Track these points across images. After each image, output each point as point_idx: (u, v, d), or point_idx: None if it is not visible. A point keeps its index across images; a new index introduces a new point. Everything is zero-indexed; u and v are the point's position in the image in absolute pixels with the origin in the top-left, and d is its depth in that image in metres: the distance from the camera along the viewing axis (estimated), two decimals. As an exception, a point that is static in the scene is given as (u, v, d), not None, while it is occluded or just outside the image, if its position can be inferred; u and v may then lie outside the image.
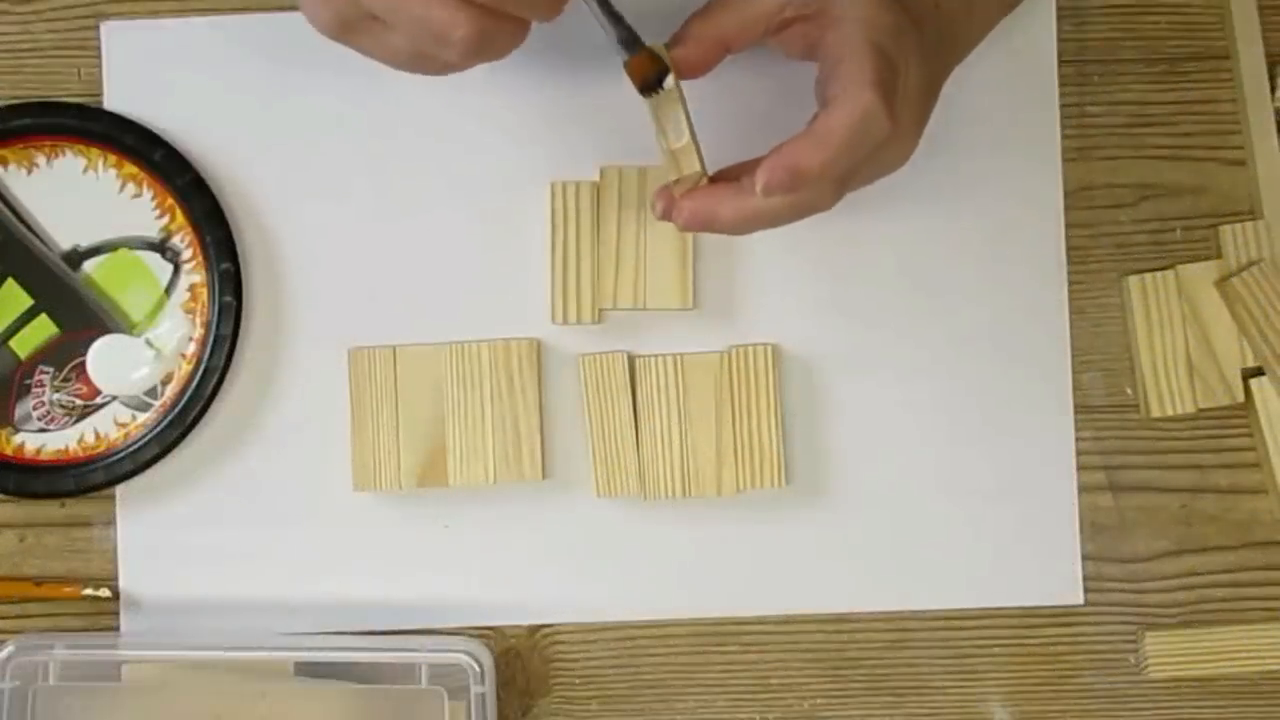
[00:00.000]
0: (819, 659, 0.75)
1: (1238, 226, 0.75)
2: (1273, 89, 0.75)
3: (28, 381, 0.75)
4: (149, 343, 0.75)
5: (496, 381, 0.74)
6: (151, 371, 0.74)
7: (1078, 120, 0.76)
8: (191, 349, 0.74)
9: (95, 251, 0.75)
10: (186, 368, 0.74)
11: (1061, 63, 0.76)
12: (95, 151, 0.75)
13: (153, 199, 0.75)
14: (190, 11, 0.75)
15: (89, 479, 0.74)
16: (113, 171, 0.75)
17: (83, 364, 0.75)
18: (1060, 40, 0.76)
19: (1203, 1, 0.76)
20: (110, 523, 0.75)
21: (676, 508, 0.75)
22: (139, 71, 0.75)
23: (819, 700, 0.75)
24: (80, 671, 0.73)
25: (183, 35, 0.75)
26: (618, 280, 0.74)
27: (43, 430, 0.75)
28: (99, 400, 0.75)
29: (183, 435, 0.74)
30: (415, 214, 0.75)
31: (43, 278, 0.75)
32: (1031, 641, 0.75)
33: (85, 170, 0.75)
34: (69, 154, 0.75)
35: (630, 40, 0.64)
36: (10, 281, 0.75)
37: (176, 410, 0.74)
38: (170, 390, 0.74)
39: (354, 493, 0.74)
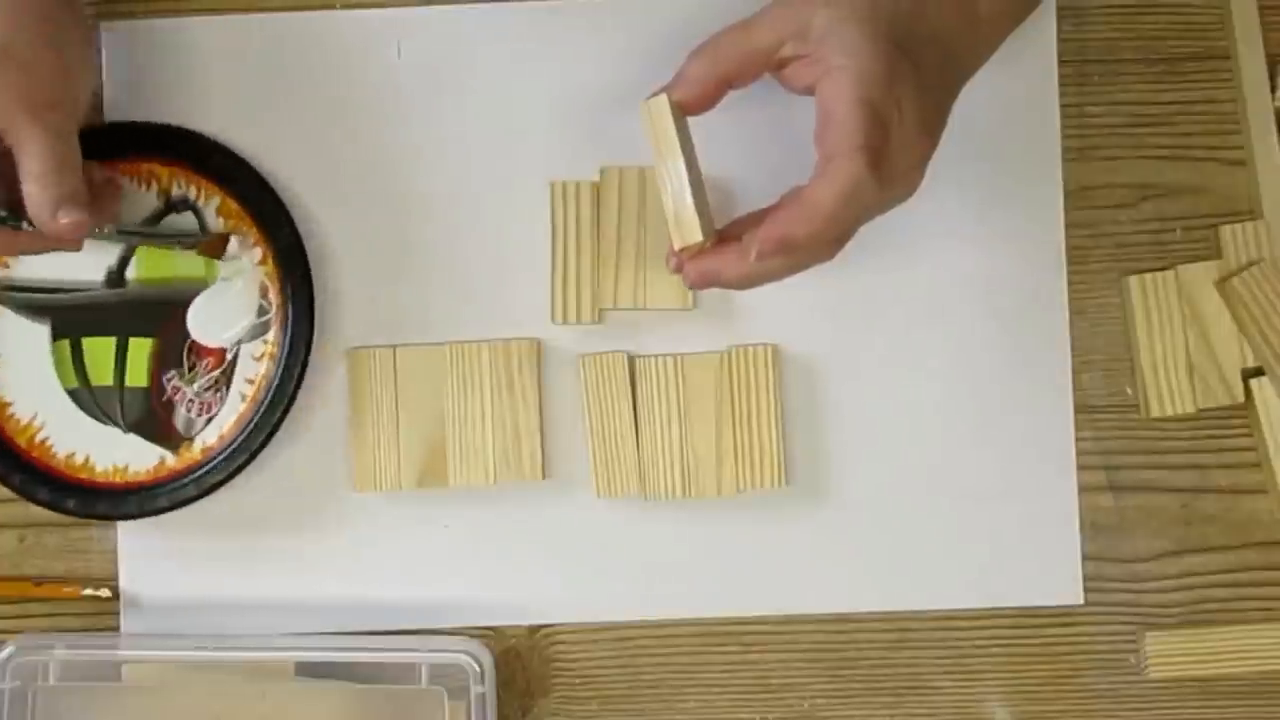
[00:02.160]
0: (819, 659, 0.75)
1: (1238, 226, 0.75)
2: (1273, 89, 0.75)
3: (165, 397, 0.75)
4: (225, 279, 0.75)
5: (496, 381, 0.74)
6: (246, 291, 0.74)
7: (1078, 120, 0.76)
8: (259, 254, 0.74)
9: (126, 257, 0.75)
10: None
11: (1061, 63, 0.76)
12: None
13: (130, 179, 0.75)
14: (190, 11, 0.75)
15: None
16: None
17: (194, 344, 0.75)
18: (1060, 40, 0.76)
19: (1203, 1, 0.76)
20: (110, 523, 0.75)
21: (676, 508, 0.75)
22: (139, 71, 0.75)
23: (819, 700, 0.75)
24: (80, 671, 0.73)
25: (183, 35, 0.75)
26: (618, 280, 0.74)
27: (209, 419, 0.75)
28: (229, 355, 0.75)
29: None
30: (415, 214, 0.75)
31: (105, 315, 0.75)
32: (1031, 641, 0.75)
33: None
34: None
35: (190, 240, 0.72)
36: (83, 341, 0.75)
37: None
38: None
39: (354, 493, 0.74)
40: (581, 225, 0.74)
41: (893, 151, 0.62)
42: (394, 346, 0.75)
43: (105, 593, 0.75)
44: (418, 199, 0.75)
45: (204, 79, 0.75)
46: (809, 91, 0.64)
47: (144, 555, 0.75)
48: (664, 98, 0.65)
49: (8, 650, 0.72)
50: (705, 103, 0.66)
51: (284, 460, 0.75)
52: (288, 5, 0.75)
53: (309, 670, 0.74)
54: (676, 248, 0.65)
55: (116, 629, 0.75)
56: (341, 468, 0.75)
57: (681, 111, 0.65)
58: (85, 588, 0.75)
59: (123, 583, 0.75)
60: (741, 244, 0.64)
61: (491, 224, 0.75)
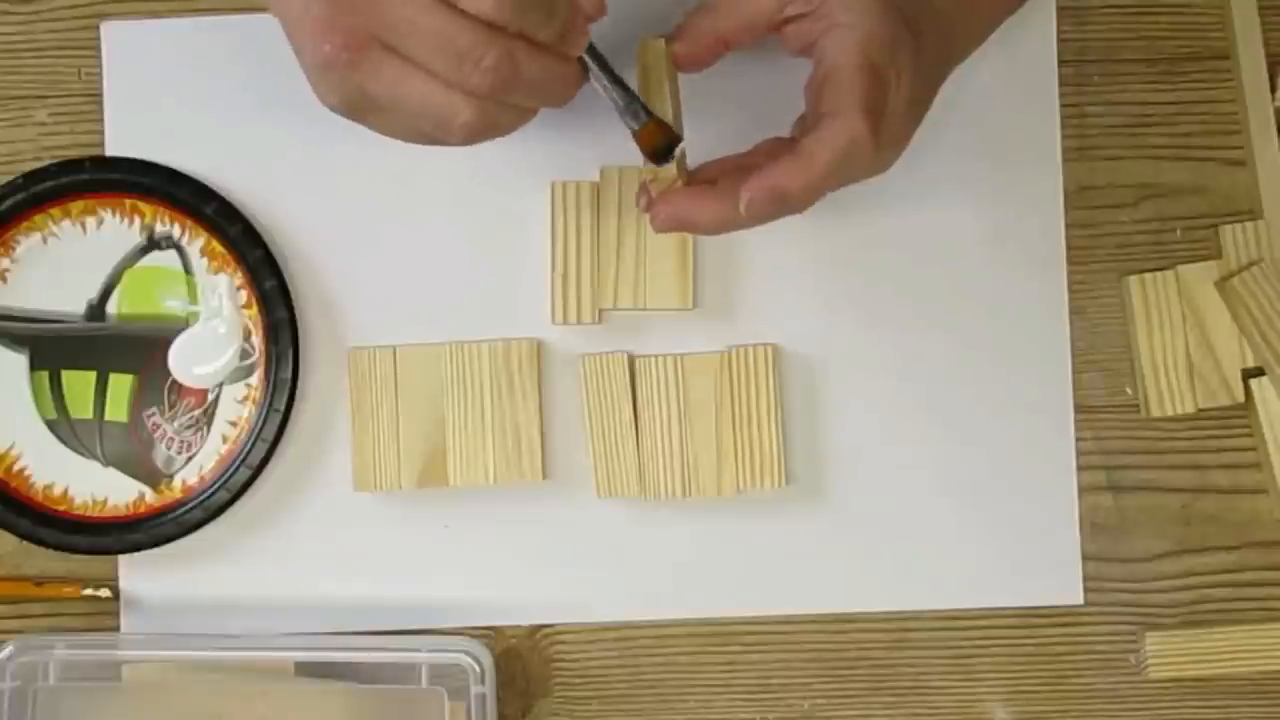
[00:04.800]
0: (819, 659, 0.75)
1: (1238, 226, 0.75)
2: (1273, 89, 0.75)
3: (144, 434, 0.75)
4: (206, 320, 0.74)
5: (496, 381, 0.74)
6: (230, 334, 0.74)
7: (1078, 120, 0.76)
8: (243, 297, 0.74)
9: (107, 292, 0.75)
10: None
11: (1061, 63, 0.76)
12: (41, 218, 0.75)
13: (114, 213, 0.75)
14: (191, 11, 0.76)
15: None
16: (66, 222, 0.75)
17: (174, 383, 0.75)
18: (1060, 40, 0.76)
19: (1203, 1, 0.76)
20: (110, 523, 0.75)
21: (676, 508, 0.75)
22: (139, 71, 0.75)
23: (819, 700, 0.75)
24: (80, 671, 0.73)
25: (183, 35, 0.75)
26: (618, 280, 0.74)
27: (190, 457, 0.75)
28: (210, 396, 0.75)
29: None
30: (415, 214, 0.75)
31: (85, 348, 0.75)
32: (1031, 641, 0.75)
33: (46, 240, 0.75)
34: (29, 237, 0.75)
35: (637, 110, 0.64)
36: (62, 374, 0.75)
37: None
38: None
39: (354, 493, 0.74)
40: (581, 225, 0.74)
41: (885, 118, 0.62)
42: (394, 346, 0.75)
43: (105, 593, 0.75)
44: (418, 199, 0.75)
45: (203, 78, 0.75)
46: (806, 51, 0.64)
47: (144, 556, 0.75)
48: (661, 42, 0.64)
49: (8, 650, 0.72)
50: (702, 58, 0.65)
51: (284, 460, 0.75)
52: (288, 5, 0.75)
53: (309, 670, 0.74)
54: (648, 180, 0.65)
55: (116, 629, 0.75)
56: (341, 468, 0.75)
57: (676, 65, 0.65)
58: (85, 588, 0.75)
59: (123, 583, 0.75)
60: (718, 189, 0.64)
61: (492, 224, 0.75)
